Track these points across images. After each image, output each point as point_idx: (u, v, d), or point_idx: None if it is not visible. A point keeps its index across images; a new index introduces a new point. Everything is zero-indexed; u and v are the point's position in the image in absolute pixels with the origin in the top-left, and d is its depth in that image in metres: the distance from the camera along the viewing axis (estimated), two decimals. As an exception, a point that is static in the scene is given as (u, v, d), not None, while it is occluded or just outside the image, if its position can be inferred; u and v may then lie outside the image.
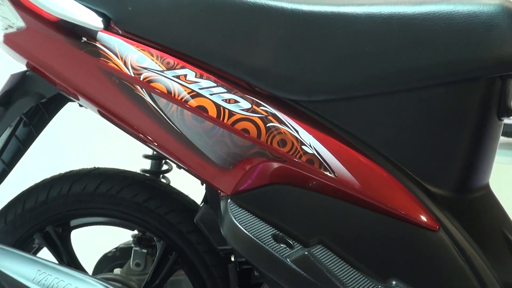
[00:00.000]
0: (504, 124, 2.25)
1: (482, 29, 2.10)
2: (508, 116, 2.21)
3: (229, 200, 2.20)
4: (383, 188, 2.16)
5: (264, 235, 2.15)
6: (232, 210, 2.18)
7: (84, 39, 2.27)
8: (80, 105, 2.38)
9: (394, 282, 2.14)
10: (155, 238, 2.40)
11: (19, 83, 2.42)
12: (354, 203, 2.16)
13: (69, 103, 2.44)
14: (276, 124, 2.15)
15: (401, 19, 2.13)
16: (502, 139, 3.18)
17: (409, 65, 2.14)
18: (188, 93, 2.18)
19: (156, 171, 2.48)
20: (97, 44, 2.26)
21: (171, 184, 2.47)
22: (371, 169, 2.16)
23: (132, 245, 2.45)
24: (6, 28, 2.39)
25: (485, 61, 2.12)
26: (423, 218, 2.14)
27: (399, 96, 2.16)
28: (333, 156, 2.15)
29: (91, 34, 2.26)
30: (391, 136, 2.18)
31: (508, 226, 2.27)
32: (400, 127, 2.18)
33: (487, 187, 2.26)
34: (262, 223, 2.18)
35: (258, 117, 2.16)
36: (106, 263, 2.51)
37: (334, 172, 2.14)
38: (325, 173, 2.14)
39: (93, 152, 2.65)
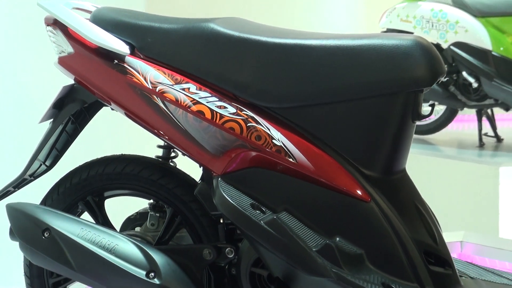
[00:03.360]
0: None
1: (402, 57, 2.13)
2: (419, 120, 2.24)
3: (219, 179, 2.21)
4: (330, 170, 2.17)
5: (244, 204, 2.17)
6: (222, 185, 2.20)
7: (116, 61, 2.28)
8: (112, 109, 2.37)
9: (338, 239, 2.15)
10: (165, 206, 2.39)
11: (68, 92, 2.41)
12: (310, 181, 2.17)
13: (104, 107, 2.43)
14: (254, 124, 2.17)
15: (344, 48, 2.16)
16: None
17: (350, 82, 2.16)
18: (191, 101, 2.20)
19: (166, 157, 2.45)
20: (125, 65, 2.27)
21: (177, 166, 2.46)
22: (322, 156, 2.17)
23: (149, 210, 2.43)
24: (60, 53, 2.38)
25: (404, 80, 2.14)
26: (359, 192, 2.16)
27: (342, 104, 2.17)
28: (294, 147, 2.16)
29: (120, 58, 2.27)
30: (336, 133, 2.19)
31: (419, 199, 2.27)
32: (343, 126, 2.19)
33: (404, 170, 2.27)
34: (243, 195, 2.19)
35: (241, 119, 2.18)
36: (129, 224, 2.47)
37: (295, 159, 2.16)
38: (289, 159, 2.16)
39: (121, 143, 2.66)
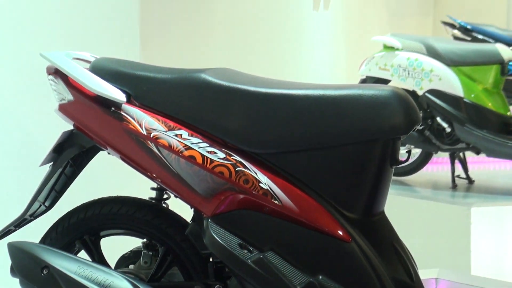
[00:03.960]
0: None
1: (380, 106, 2.14)
2: (397, 165, 2.25)
3: (209, 220, 2.20)
4: (313, 212, 2.17)
5: (233, 244, 2.16)
6: (212, 226, 2.19)
7: (113, 108, 2.28)
8: (109, 153, 2.36)
9: (321, 277, 2.14)
10: (158, 244, 2.37)
11: (68, 137, 2.40)
12: (294, 222, 2.17)
13: (101, 152, 2.42)
14: (242, 168, 2.17)
15: (326, 98, 2.17)
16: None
17: (332, 130, 2.16)
18: (183, 146, 2.20)
19: (159, 199, 2.44)
20: (121, 112, 2.27)
21: (170, 207, 2.45)
22: (305, 199, 2.17)
23: (142, 249, 2.41)
24: (60, 100, 2.38)
25: (382, 129, 2.15)
26: (340, 233, 2.15)
27: (325, 150, 2.18)
28: (280, 191, 2.16)
29: (117, 105, 2.27)
30: (319, 177, 2.19)
31: (396, 239, 2.27)
32: (325, 171, 2.19)
33: (383, 212, 2.28)
34: (232, 235, 2.18)
35: (230, 163, 2.18)
36: (123, 261, 2.45)
37: (281, 201, 2.16)
38: (275, 202, 2.16)
39: (117, 185, 2.66)
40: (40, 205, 2.42)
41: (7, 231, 2.44)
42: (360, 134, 2.17)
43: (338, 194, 2.19)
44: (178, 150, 2.21)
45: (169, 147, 2.21)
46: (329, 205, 2.18)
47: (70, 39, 3.38)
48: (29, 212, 2.41)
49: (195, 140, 2.21)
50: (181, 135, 2.22)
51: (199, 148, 2.20)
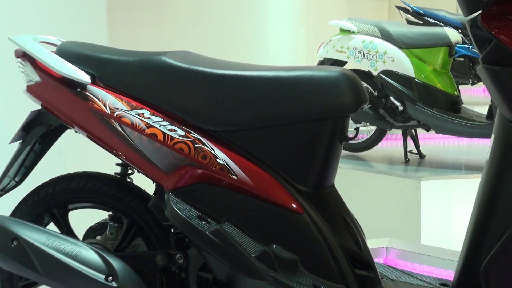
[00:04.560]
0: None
1: (330, 87, 2.14)
2: (346, 141, 2.25)
3: (170, 193, 2.20)
4: (268, 186, 2.17)
5: (192, 216, 2.17)
6: (172, 199, 2.19)
7: (78, 89, 2.27)
8: (75, 131, 2.36)
9: (274, 246, 2.15)
10: (123, 217, 2.37)
11: (36, 116, 2.39)
12: (250, 196, 2.17)
13: (68, 130, 2.42)
14: (201, 145, 2.17)
15: (279, 79, 2.16)
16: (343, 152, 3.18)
17: (284, 108, 2.16)
18: (145, 125, 2.19)
19: (124, 174, 2.43)
20: (86, 93, 2.26)
21: (133, 182, 2.45)
22: (260, 174, 2.18)
23: (108, 221, 2.40)
24: (28, 82, 2.37)
25: (332, 107, 2.16)
26: (293, 205, 2.16)
27: (278, 128, 2.18)
28: (236, 166, 2.16)
29: (83, 86, 2.26)
30: (273, 153, 2.19)
31: (346, 211, 2.28)
32: (278, 147, 2.19)
33: (333, 186, 2.28)
34: (191, 208, 2.18)
35: (189, 140, 2.18)
36: (91, 233, 2.44)
37: (237, 176, 2.16)
38: (231, 176, 2.16)
39: (83, 161, 2.65)
40: (11, 180, 2.41)
41: None
42: (311, 112, 2.17)
43: (291, 169, 2.20)
44: (140, 128, 2.20)
45: (132, 126, 2.21)
46: (283, 179, 2.18)
47: (39, 23, 3.34)
48: (0, 187, 2.40)
49: (156, 118, 2.21)
50: (143, 114, 2.21)
51: (160, 126, 2.20)
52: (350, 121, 5.08)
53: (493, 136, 2.14)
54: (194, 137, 2.19)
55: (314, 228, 2.17)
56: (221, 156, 2.17)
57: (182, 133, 2.19)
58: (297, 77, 2.17)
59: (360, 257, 2.24)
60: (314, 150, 2.20)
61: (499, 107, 2.10)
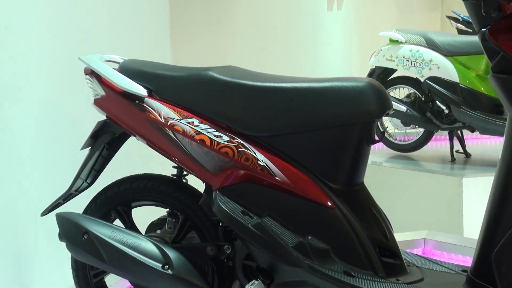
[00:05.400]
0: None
1: (357, 95, 2.17)
2: (373, 144, 2.27)
3: (217, 192, 2.25)
4: (303, 184, 2.20)
5: (237, 211, 2.21)
6: (219, 197, 2.24)
7: (137, 101, 2.33)
8: (137, 139, 2.41)
9: (309, 237, 2.18)
10: (179, 213, 2.43)
11: (102, 126, 2.46)
12: (287, 193, 2.20)
13: (131, 137, 2.47)
14: (243, 149, 2.22)
15: (312, 89, 2.19)
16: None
17: (317, 115, 2.19)
18: (194, 132, 2.25)
19: (179, 175, 2.47)
20: (144, 105, 2.32)
21: (188, 182, 2.49)
22: (296, 173, 2.21)
23: (166, 217, 2.46)
24: (95, 96, 2.45)
25: (359, 114, 2.18)
26: (326, 201, 2.19)
27: (312, 133, 2.21)
28: (275, 167, 2.20)
29: (141, 99, 2.32)
30: (308, 155, 2.22)
31: (374, 205, 2.31)
32: (312, 149, 2.22)
33: (362, 183, 2.31)
34: (236, 204, 2.22)
35: (233, 145, 2.23)
36: (152, 227, 2.51)
37: (276, 176, 2.20)
38: (271, 176, 2.20)
39: (144, 165, 2.71)
40: (83, 182, 2.49)
41: (57, 204, 2.52)
42: (340, 118, 2.20)
43: (324, 169, 2.23)
44: (191, 135, 2.26)
45: (183, 133, 2.27)
46: (316, 178, 2.22)
47: (110, 43, 3.42)
48: (74, 188, 2.48)
49: (204, 126, 2.26)
50: (192, 122, 2.27)
51: (207, 133, 2.25)
52: (399, 123, 5.14)
53: (504, 136, 2.17)
54: (238, 142, 2.24)
55: (345, 221, 2.21)
56: (262, 159, 2.22)
57: (227, 138, 2.24)
58: (327, 88, 2.21)
59: (387, 246, 2.27)
60: (344, 152, 2.24)
61: (508, 111, 2.13)
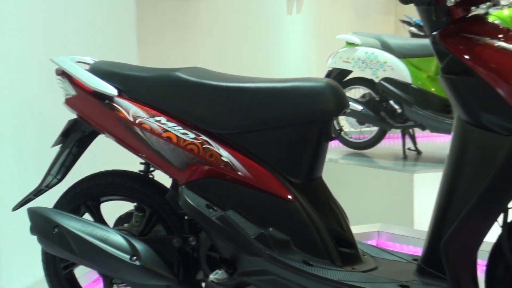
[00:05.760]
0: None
1: (316, 94, 2.21)
2: (331, 140, 2.31)
3: (183, 186, 2.28)
4: (265, 179, 2.25)
5: (201, 205, 2.24)
6: (185, 192, 2.27)
7: (107, 101, 2.35)
8: (106, 136, 2.43)
9: (270, 229, 2.21)
10: (145, 207, 2.44)
11: (72, 124, 2.48)
12: (249, 187, 2.24)
13: (100, 135, 2.49)
14: (208, 146, 2.25)
15: (274, 89, 2.24)
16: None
17: (278, 114, 2.23)
18: (162, 130, 2.27)
19: (146, 171, 2.48)
20: (113, 104, 2.34)
21: (155, 178, 2.50)
22: (258, 169, 2.25)
23: (134, 211, 2.46)
24: (66, 95, 2.46)
25: (318, 112, 2.23)
26: (286, 195, 2.23)
27: (273, 130, 2.25)
28: (238, 162, 2.24)
29: (110, 98, 2.35)
30: (269, 151, 2.26)
31: (331, 198, 2.35)
32: (273, 146, 2.26)
33: (320, 178, 2.35)
34: (201, 198, 2.25)
35: (198, 142, 2.26)
36: (120, 221, 2.51)
37: (238, 171, 2.23)
38: (234, 171, 2.23)
39: (113, 162, 2.71)
40: (53, 178, 2.49)
41: (28, 199, 2.52)
42: (300, 117, 2.24)
43: (284, 164, 2.26)
44: (158, 133, 2.29)
45: (151, 130, 2.29)
46: (277, 173, 2.25)
47: (82, 46, 3.44)
48: (44, 184, 2.49)
49: (171, 124, 2.29)
50: (160, 120, 2.29)
51: (174, 130, 2.28)
52: (354, 122, 5.19)
53: (452, 133, 2.23)
54: (203, 139, 2.27)
55: (304, 213, 2.24)
56: (225, 155, 2.25)
57: (192, 136, 2.27)
58: (288, 88, 2.25)
59: (343, 237, 2.31)
60: (304, 148, 2.27)
61: (456, 109, 2.18)
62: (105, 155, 2.97)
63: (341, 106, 2.26)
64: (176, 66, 2.42)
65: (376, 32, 5.66)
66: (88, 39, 3.52)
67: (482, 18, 2.20)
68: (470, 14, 2.19)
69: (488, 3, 2.30)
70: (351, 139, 5.79)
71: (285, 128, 2.26)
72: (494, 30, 2.14)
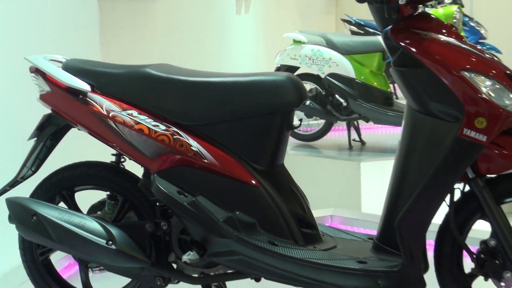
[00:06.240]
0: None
1: (278, 88, 2.28)
2: (292, 129, 2.37)
3: (155, 175, 2.32)
4: (231, 166, 2.30)
5: (173, 191, 2.28)
6: (157, 179, 2.31)
7: (81, 96, 2.37)
8: (79, 129, 2.45)
9: (238, 212, 2.27)
10: (118, 195, 2.46)
11: (47, 119, 2.49)
12: (217, 174, 2.29)
13: (73, 129, 2.50)
14: (178, 136, 2.29)
15: (238, 83, 2.29)
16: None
17: (242, 106, 2.29)
18: (134, 122, 2.31)
19: (118, 162, 2.50)
20: (87, 99, 2.36)
21: (126, 168, 2.51)
22: (225, 157, 2.30)
23: (106, 199, 2.48)
24: (41, 91, 2.46)
25: (280, 104, 2.29)
26: (252, 180, 2.29)
27: (238, 121, 2.31)
28: (206, 151, 2.28)
29: (84, 94, 2.37)
30: (235, 140, 2.31)
31: (293, 184, 2.41)
32: (239, 136, 2.31)
33: (283, 164, 2.41)
34: (172, 185, 2.29)
35: (169, 133, 2.30)
36: (92, 210, 2.51)
37: (207, 159, 2.28)
38: (203, 160, 2.28)
39: (86, 154, 2.74)
40: (28, 170, 2.50)
41: (4, 191, 2.53)
42: (263, 108, 2.30)
43: (249, 152, 2.32)
44: (130, 125, 2.32)
45: (124, 123, 2.33)
46: (243, 160, 2.31)
47: (46, 44, 3.46)
48: (20, 176, 2.51)
49: (142, 117, 2.32)
50: (132, 113, 2.33)
51: (146, 123, 2.31)
52: (300, 114, 5.26)
53: (403, 122, 2.33)
54: (173, 130, 2.31)
55: (268, 197, 2.30)
56: (194, 145, 2.30)
57: (163, 127, 2.31)
58: (251, 81, 2.31)
59: (305, 219, 2.38)
60: (267, 137, 2.34)
61: (406, 99, 2.28)
62: (79, 147, 2.98)
63: (301, 98, 2.33)
64: (136, 63, 2.45)
65: (320, 31, 5.73)
66: (53, 39, 3.54)
67: (428, 15, 2.30)
68: (417, 12, 2.29)
69: (433, 1, 2.40)
70: (300, 132, 5.84)
71: (249, 118, 2.31)
72: (439, 26, 2.25)
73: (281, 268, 2.25)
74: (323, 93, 5.38)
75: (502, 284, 2.23)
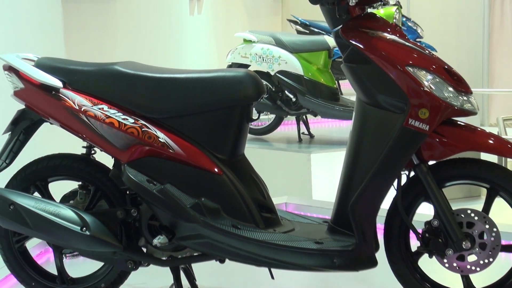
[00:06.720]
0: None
1: (238, 83, 2.34)
2: (251, 122, 2.45)
3: (126, 165, 2.37)
4: (196, 156, 2.35)
5: (142, 180, 2.33)
6: (127, 169, 2.36)
7: (53, 92, 2.40)
8: (51, 123, 2.48)
9: (203, 199, 2.33)
10: (89, 185, 2.48)
11: (21, 114, 2.51)
12: (183, 164, 2.34)
13: (45, 123, 2.53)
14: (146, 129, 2.34)
15: (201, 79, 2.36)
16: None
17: (205, 100, 2.35)
18: (104, 116, 2.35)
19: (89, 153, 2.52)
20: (59, 95, 2.39)
21: (96, 159, 2.53)
22: (190, 147, 2.35)
23: (78, 189, 2.50)
24: (14, 88, 2.49)
25: (240, 98, 2.36)
26: (215, 169, 2.35)
27: (201, 114, 2.37)
28: (173, 143, 2.34)
29: (56, 90, 2.40)
30: (199, 132, 2.37)
31: (254, 172, 2.48)
32: (202, 127, 2.37)
33: (243, 154, 2.47)
34: (141, 174, 2.34)
35: (138, 126, 2.35)
36: (64, 199, 2.52)
37: (173, 150, 2.33)
38: (169, 150, 2.33)
39: (59, 146, 2.75)
40: (3, 163, 2.52)
41: None
42: (225, 102, 2.37)
43: (212, 143, 2.38)
44: (101, 119, 2.36)
45: (95, 117, 2.37)
46: (206, 151, 2.37)
47: (15, 44, 3.47)
48: None
49: (112, 111, 2.36)
50: (102, 108, 2.37)
51: (116, 116, 2.36)
52: (253, 111, 5.32)
53: (353, 114, 2.43)
54: (141, 123, 2.36)
55: (231, 184, 2.37)
56: (162, 136, 2.35)
57: (132, 120, 2.36)
58: (214, 77, 2.38)
59: (265, 204, 2.46)
60: (228, 129, 2.40)
61: (357, 93, 2.39)
62: (51, 140, 3.00)
63: (259, 92, 2.40)
64: (98, 61, 2.49)
65: (268, 31, 5.80)
66: (18, 39, 3.54)
67: (374, 16, 2.42)
68: (365, 13, 2.40)
69: (379, 3, 2.52)
70: (251, 126, 5.90)
71: (212, 112, 2.38)
72: (385, 25, 2.37)
73: (244, 250, 2.31)
74: (273, 89, 5.41)
75: (445, 260, 2.34)
